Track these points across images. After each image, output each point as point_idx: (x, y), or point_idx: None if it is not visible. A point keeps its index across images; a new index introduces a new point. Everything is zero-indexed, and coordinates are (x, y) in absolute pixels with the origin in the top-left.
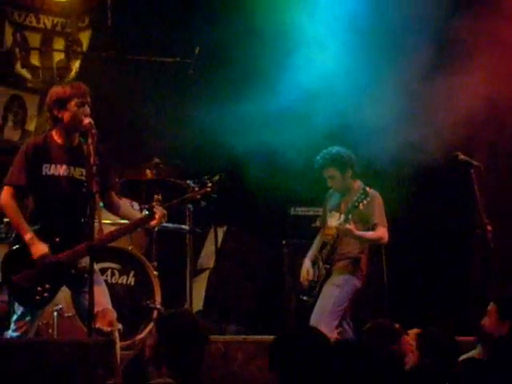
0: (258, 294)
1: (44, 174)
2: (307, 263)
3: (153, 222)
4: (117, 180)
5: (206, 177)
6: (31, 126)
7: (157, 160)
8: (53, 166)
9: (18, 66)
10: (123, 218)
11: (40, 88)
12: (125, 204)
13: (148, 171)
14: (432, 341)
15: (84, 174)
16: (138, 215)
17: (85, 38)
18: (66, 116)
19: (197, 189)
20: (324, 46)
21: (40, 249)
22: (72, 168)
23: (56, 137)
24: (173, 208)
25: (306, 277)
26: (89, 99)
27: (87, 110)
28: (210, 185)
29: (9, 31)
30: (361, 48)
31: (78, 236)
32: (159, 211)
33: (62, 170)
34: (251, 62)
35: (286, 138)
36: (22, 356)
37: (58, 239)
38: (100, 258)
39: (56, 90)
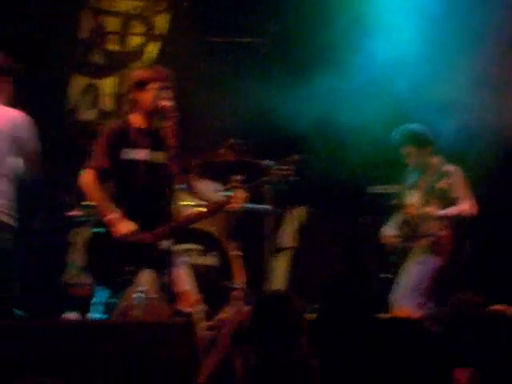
0: (338, 273)
1: (124, 158)
2: (389, 228)
3: (234, 205)
4: (196, 162)
5: (285, 158)
6: (106, 106)
7: (234, 140)
8: (133, 150)
9: (95, 52)
10: (203, 200)
11: (115, 72)
12: (204, 186)
13: (226, 152)
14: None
15: (163, 157)
16: (218, 197)
17: (162, 21)
18: (146, 98)
19: (277, 171)
20: (398, 26)
21: (126, 225)
22: (152, 152)
23: (135, 120)
24: (252, 189)
25: (391, 238)
26: (169, 83)
27: (167, 93)
28: (289, 167)
29: (87, 18)
30: (436, 29)
31: (159, 219)
32: (239, 194)
33: (141, 153)
34: (325, 42)
35: (363, 115)
36: (105, 337)
37: (139, 222)
38: (181, 240)
39: (137, 73)
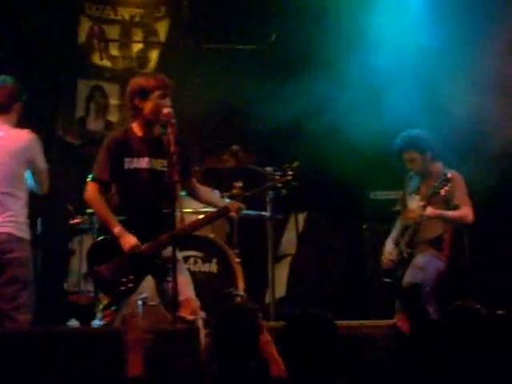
0: (340, 279)
1: (127, 167)
2: (390, 244)
3: (232, 214)
4: (197, 168)
5: (285, 164)
6: (113, 116)
7: (236, 147)
8: (135, 159)
9: (97, 57)
10: (206, 204)
11: (120, 77)
12: (206, 191)
13: (227, 159)
14: None
15: (164, 164)
16: (221, 202)
17: (162, 27)
18: (147, 106)
19: (277, 177)
20: (396, 37)
21: (129, 240)
22: (153, 159)
23: (136, 129)
24: (253, 196)
25: (389, 257)
26: (170, 91)
27: (168, 101)
28: (290, 173)
29: (85, 25)
30: (434, 39)
31: (161, 226)
32: (233, 206)
33: (143, 162)
34: (327, 47)
35: (363, 121)
36: (107, 344)
37: (141, 230)
38: (182, 247)
39: (139, 81)
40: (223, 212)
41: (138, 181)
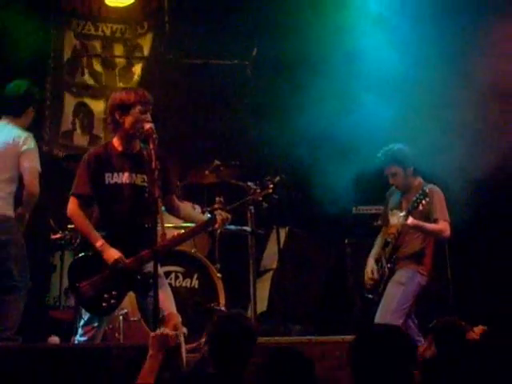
0: (322, 294)
1: (107, 182)
2: (371, 262)
3: (216, 226)
4: (178, 183)
5: (266, 178)
6: (99, 130)
7: (217, 162)
8: (115, 174)
9: (81, 73)
10: (185, 221)
11: (104, 93)
12: (186, 206)
13: (209, 174)
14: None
15: (145, 179)
16: (200, 217)
17: (145, 42)
18: (128, 121)
19: (258, 190)
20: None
21: (113, 254)
22: (134, 175)
23: (116, 144)
24: (235, 210)
25: (371, 276)
26: (150, 106)
27: (149, 117)
28: (271, 186)
29: (70, 41)
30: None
31: (143, 241)
32: (221, 215)
33: (124, 177)
34: (310, 63)
35: (346, 137)
36: (89, 360)
37: (122, 245)
38: (163, 262)
39: (120, 95)
40: (207, 224)
41: (118, 196)
